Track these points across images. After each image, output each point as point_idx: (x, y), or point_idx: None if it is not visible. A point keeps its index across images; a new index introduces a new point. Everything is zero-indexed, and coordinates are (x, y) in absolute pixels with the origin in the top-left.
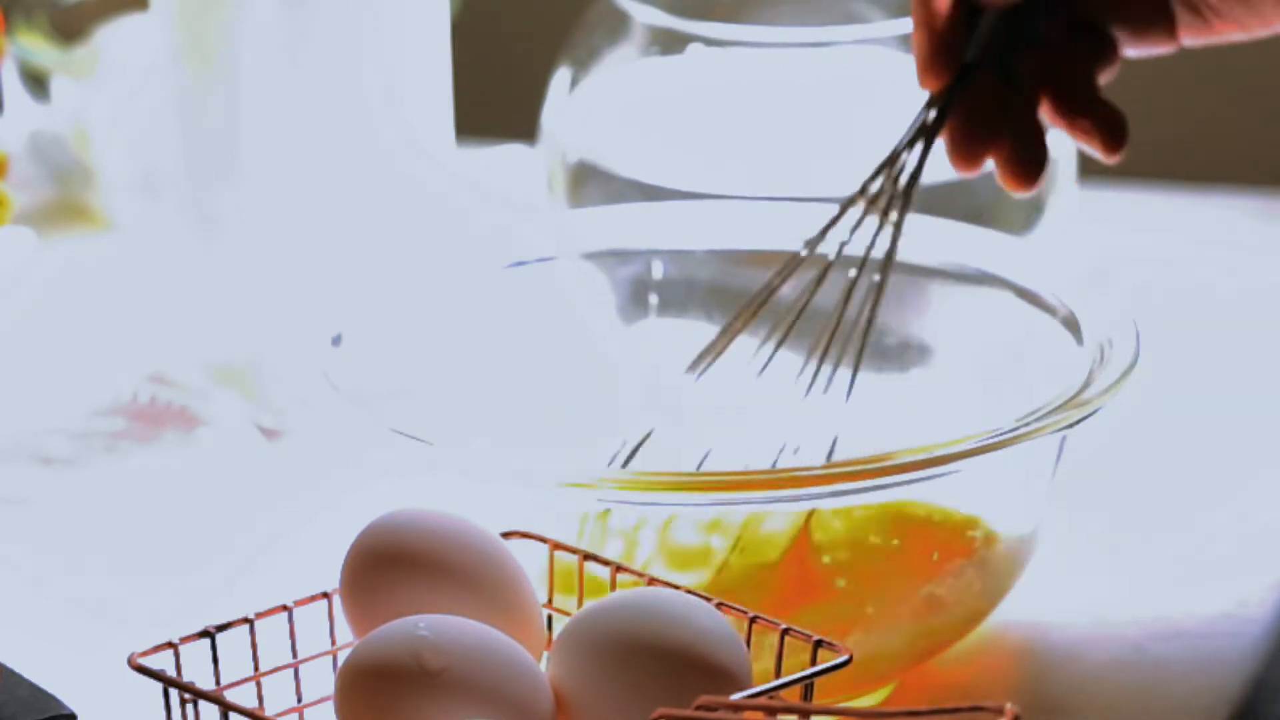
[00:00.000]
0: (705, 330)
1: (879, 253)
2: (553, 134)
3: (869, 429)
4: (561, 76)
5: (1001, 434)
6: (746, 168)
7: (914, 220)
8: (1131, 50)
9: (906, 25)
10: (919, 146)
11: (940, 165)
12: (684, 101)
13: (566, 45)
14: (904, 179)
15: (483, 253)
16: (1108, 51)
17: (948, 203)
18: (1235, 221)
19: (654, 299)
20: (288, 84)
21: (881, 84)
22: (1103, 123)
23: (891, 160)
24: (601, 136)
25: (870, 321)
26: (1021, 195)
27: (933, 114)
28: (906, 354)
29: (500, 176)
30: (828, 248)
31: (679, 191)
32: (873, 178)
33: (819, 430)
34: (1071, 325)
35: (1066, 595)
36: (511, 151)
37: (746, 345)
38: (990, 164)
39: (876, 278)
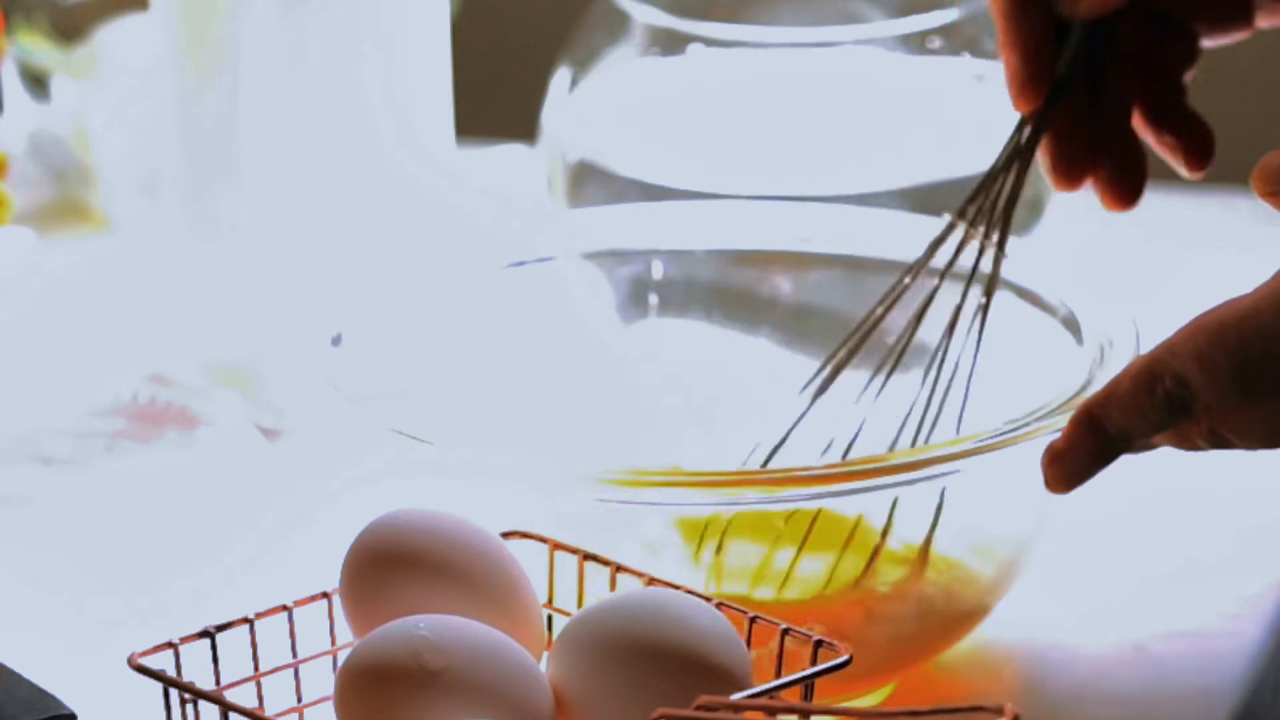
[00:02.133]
0: (705, 330)
1: (961, 272)
2: (553, 134)
3: (869, 429)
4: (561, 76)
5: (1001, 434)
6: (746, 168)
7: (915, 221)
8: (1209, 42)
9: (906, 25)
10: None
11: (942, 163)
12: (684, 101)
13: (566, 45)
14: (1001, 201)
15: (483, 253)
16: (1190, 50)
17: (947, 203)
18: (1235, 221)
19: (654, 299)
20: (288, 84)
21: (881, 84)
22: (1189, 137)
23: (989, 182)
24: (601, 136)
25: (979, 341)
26: (1122, 213)
27: (1026, 133)
28: (906, 354)
29: (500, 176)
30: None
31: (679, 191)
32: (970, 200)
33: (821, 430)
34: (1071, 325)
35: (1067, 595)
36: (511, 151)
37: (774, 355)
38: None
39: (983, 299)
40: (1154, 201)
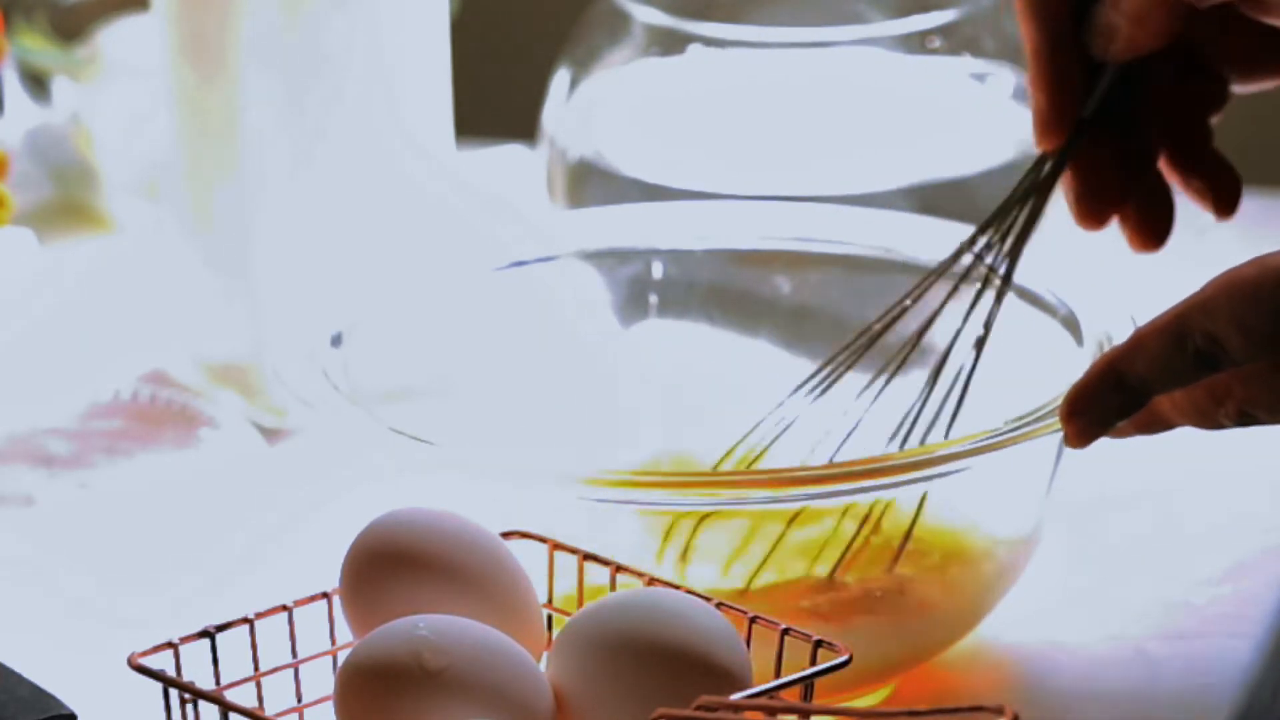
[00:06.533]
0: (705, 331)
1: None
2: (553, 134)
3: (869, 429)
4: (561, 76)
5: (1001, 434)
6: (746, 168)
7: (913, 220)
8: (1241, 88)
9: (906, 25)
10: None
11: (941, 163)
12: (684, 101)
13: (566, 45)
14: (1012, 235)
15: (482, 253)
16: (1219, 94)
17: (947, 202)
18: (1235, 221)
19: (654, 299)
20: (287, 83)
21: (881, 84)
22: (1217, 182)
23: (1002, 214)
24: (601, 136)
25: (969, 378)
26: (1149, 255)
27: (1046, 169)
28: (907, 354)
29: (500, 176)
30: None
31: (679, 191)
32: (980, 230)
33: (822, 430)
34: (1071, 325)
35: (1066, 595)
36: (511, 151)
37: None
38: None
39: (980, 333)
40: None
